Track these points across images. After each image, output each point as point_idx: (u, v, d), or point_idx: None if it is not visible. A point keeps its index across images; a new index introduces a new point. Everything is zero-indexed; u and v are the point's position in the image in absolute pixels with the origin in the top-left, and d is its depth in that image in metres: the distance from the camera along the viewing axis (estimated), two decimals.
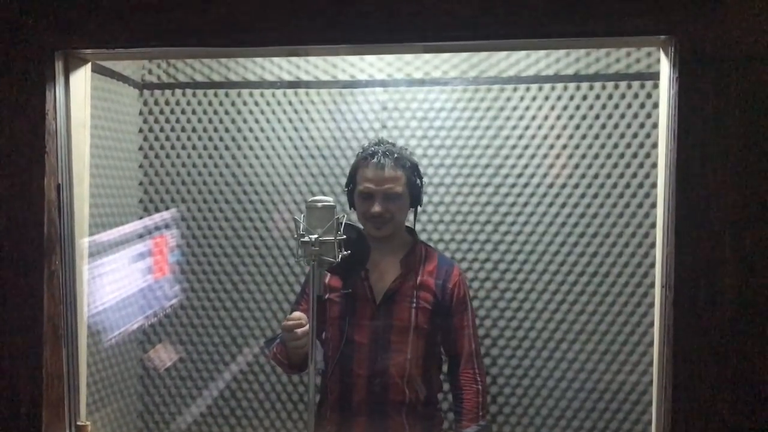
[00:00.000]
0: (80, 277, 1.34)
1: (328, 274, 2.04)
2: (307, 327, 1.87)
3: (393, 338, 2.03)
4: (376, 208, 2.00)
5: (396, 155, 2.04)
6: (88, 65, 1.31)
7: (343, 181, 2.25)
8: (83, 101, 1.31)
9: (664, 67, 1.13)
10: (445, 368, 2.21)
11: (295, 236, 1.70)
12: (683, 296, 1.06)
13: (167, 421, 2.76)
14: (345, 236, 1.73)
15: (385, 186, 2.00)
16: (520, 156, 2.55)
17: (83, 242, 1.35)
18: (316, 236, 1.66)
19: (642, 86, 2.48)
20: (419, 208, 2.18)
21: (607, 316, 2.51)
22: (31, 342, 1.21)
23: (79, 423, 1.27)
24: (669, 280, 1.08)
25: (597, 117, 2.51)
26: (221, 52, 1.21)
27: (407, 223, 2.16)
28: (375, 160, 2.02)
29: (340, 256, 1.70)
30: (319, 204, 1.69)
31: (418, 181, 2.09)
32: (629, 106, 2.49)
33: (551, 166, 2.54)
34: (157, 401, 2.76)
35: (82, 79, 1.30)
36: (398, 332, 2.03)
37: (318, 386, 2.17)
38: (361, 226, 1.97)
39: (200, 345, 2.75)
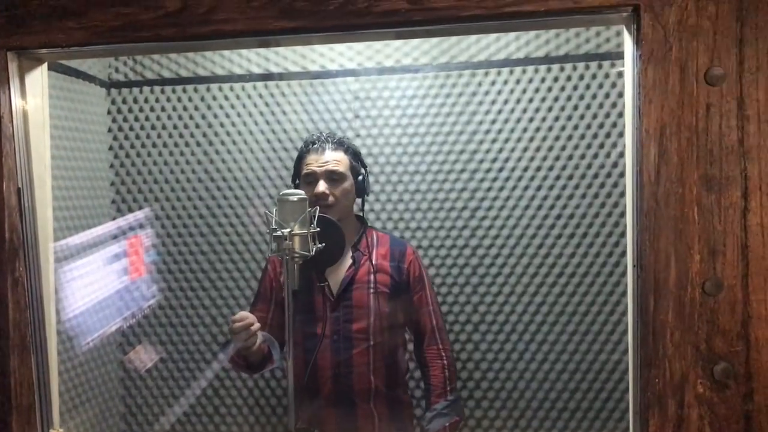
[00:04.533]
0: (47, 282, 1.32)
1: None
2: (252, 328, 1.87)
3: (354, 326, 2.04)
4: (319, 187, 1.99)
5: (336, 140, 2.07)
6: (44, 65, 1.28)
7: None
8: (41, 102, 1.27)
9: (628, 45, 1.12)
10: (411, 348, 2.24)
11: (268, 231, 1.68)
12: (653, 275, 1.05)
13: (150, 422, 2.73)
14: (319, 229, 1.72)
15: (326, 166, 2.01)
16: (493, 141, 2.55)
17: (49, 246, 1.32)
18: (289, 230, 1.64)
19: (612, 65, 2.48)
20: (367, 197, 2.19)
21: (587, 296, 2.52)
22: None
23: (51, 431, 1.25)
24: (639, 260, 1.07)
25: (569, 98, 2.51)
26: (180, 47, 1.18)
27: (357, 213, 2.18)
28: (316, 145, 2.05)
29: (314, 249, 1.69)
30: (291, 197, 1.68)
31: (362, 168, 2.10)
32: (600, 86, 2.48)
33: (525, 149, 2.54)
34: (139, 402, 2.74)
35: (38, 79, 1.26)
36: (359, 320, 2.04)
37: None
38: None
39: (180, 344, 2.72)
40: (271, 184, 2.66)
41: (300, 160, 2.08)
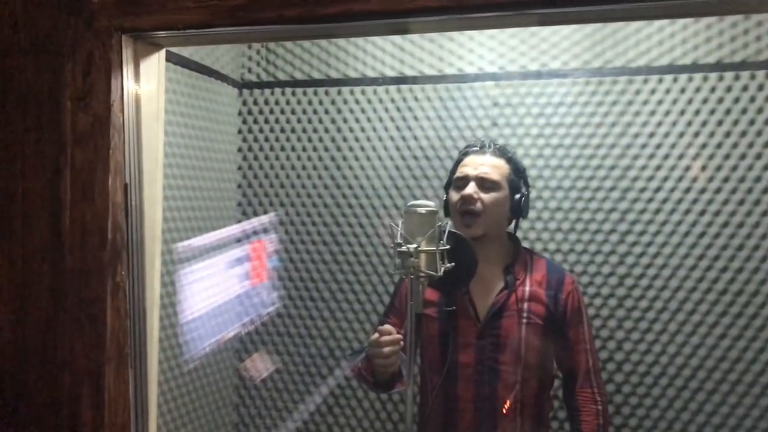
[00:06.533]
0: (152, 289, 1.21)
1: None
2: (397, 346, 1.68)
3: (501, 358, 1.81)
4: (467, 189, 1.81)
5: (499, 146, 1.88)
6: (162, 52, 1.17)
7: None
8: (156, 92, 1.17)
9: None
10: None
11: (392, 245, 1.51)
12: None
13: None
14: (449, 246, 1.53)
15: (481, 169, 1.82)
16: (651, 156, 2.25)
17: (156, 249, 1.21)
18: (415, 246, 1.46)
19: None
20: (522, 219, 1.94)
21: (755, 342, 2.16)
22: (92, 362, 1.08)
23: None
24: None
25: (744, 111, 2.17)
26: (305, 30, 1.03)
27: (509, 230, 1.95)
28: (476, 147, 1.88)
29: (442, 269, 1.49)
30: (420, 209, 1.49)
31: (523, 185, 1.87)
32: None
33: (688, 168, 2.22)
34: (252, 413, 2.65)
35: (155, 66, 1.16)
36: (507, 351, 1.81)
37: (419, 406, 1.98)
38: None
39: (297, 356, 2.61)
40: (398, 194, 2.49)
41: (456, 165, 1.91)
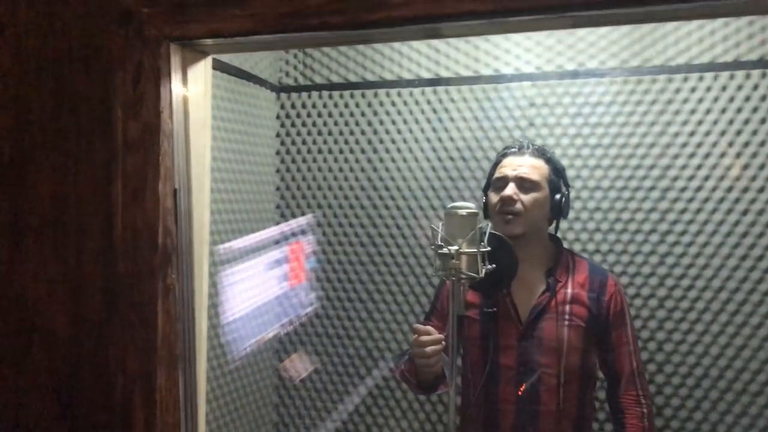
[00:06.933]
0: (200, 292, 1.23)
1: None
2: (439, 346, 1.69)
3: (543, 361, 1.81)
4: (507, 191, 1.80)
5: (537, 146, 1.89)
6: (209, 59, 1.20)
7: None
8: (203, 98, 1.19)
9: None
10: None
11: (433, 247, 1.52)
12: None
13: None
14: (489, 248, 1.53)
15: (520, 170, 1.82)
16: (691, 155, 2.22)
17: (204, 253, 1.23)
18: (456, 248, 1.47)
19: None
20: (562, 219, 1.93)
21: None
22: (143, 364, 1.10)
23: None
24: None
25: None
26: (344, 37, 1.04)
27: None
28: (514, 149, 1.88)
29: (483, 270, 1.50)
30: (461, 211, 1.50)
31: (563, 185, 1.87)
32: None
33: (730, 167, 2.19)
34: (292, 413, 2.68)
35: (201, 73, 1.19)
36: (548, 354, 1.80)
37: (459, 408, 1.99)
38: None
39: (335, 356, 2.64)
40: (435, 196, 2.50)
41: (494, 166, 1.92)
